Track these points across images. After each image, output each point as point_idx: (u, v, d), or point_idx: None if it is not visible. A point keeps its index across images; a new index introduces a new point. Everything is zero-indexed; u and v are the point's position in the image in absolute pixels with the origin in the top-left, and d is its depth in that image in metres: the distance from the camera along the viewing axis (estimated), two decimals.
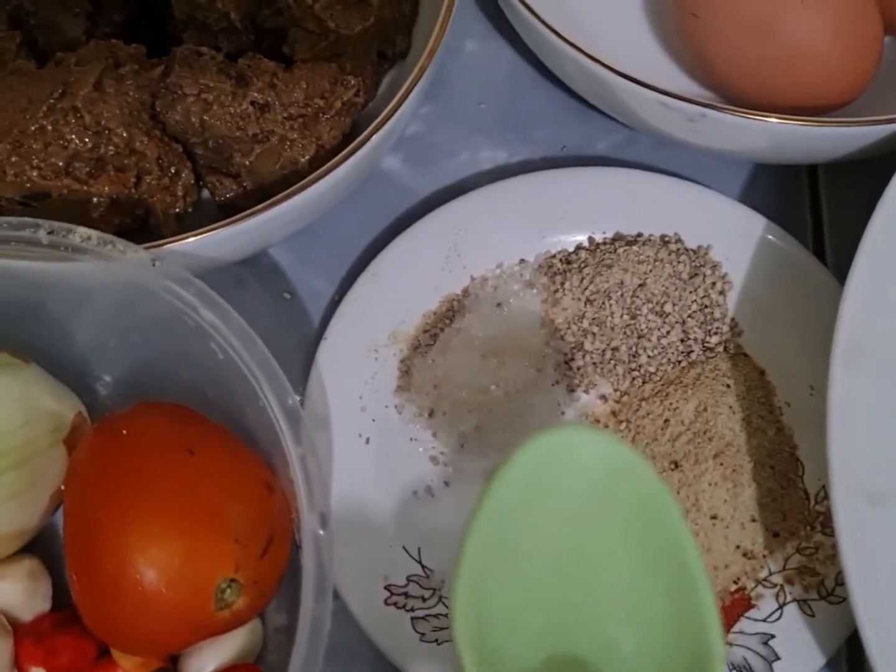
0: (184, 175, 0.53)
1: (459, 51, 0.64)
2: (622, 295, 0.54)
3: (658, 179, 0.57)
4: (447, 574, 0.50)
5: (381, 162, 0.58)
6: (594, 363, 0.54)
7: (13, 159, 0.50)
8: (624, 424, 0.52)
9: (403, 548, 0.51)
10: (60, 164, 0.50)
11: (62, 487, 0.47)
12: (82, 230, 0.45)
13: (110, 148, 0.51)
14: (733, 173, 0.60)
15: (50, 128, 0.50)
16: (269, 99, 0.52)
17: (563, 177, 0.57)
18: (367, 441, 0.52)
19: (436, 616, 0.49)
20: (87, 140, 0.50)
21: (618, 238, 0.56)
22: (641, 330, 0.54)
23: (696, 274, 0.55)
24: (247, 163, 0.52)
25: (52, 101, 0.50)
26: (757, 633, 0.49)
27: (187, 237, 0.48)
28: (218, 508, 0.43)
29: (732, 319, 0.55)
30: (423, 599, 0.49)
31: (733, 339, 0.55)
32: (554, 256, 0.56)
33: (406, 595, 0.49)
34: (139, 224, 0.53)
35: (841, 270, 0.54)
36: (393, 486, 0.52)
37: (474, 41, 0.65)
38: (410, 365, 0.54)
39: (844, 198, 0.60)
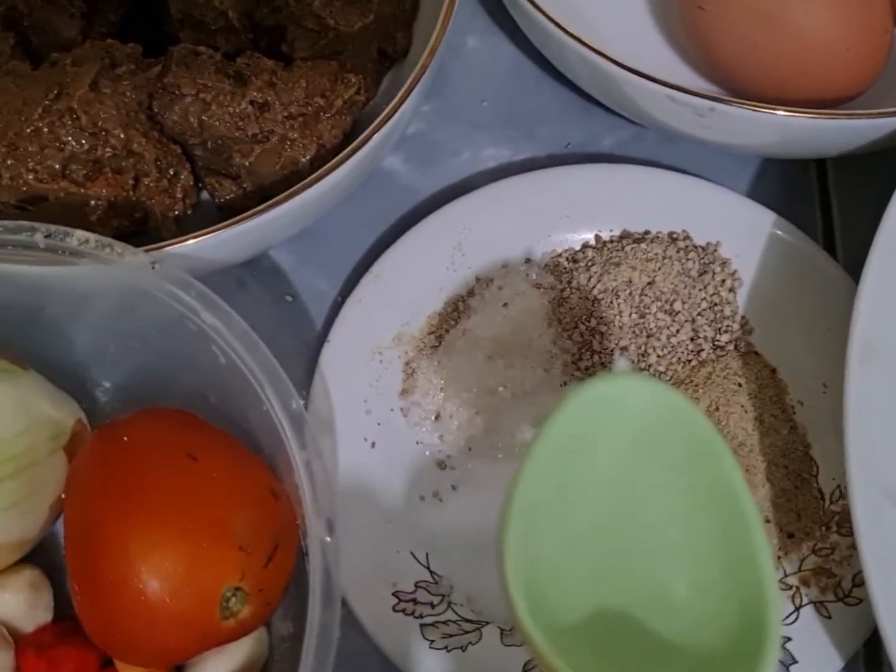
0: (183, 176, 0.53)
1: (460, 48, 0.63)
2: (630, 293, 0.53)
3: (665, 176, 0.57)
4: (456, 580, 0.49)
5: (382, 161, 0.58)
6: (602, 363, 0.53)
7: (9, 162, 0.49)
8: None
9: (411, 553, 0.50)
10: (57, 166, 0.49)
11: (63, 496, 0.46)
12: (80, 233, 0.44)
13: (107, 150, 0.50)
14: (741, 168, 0.60)
15: (46, 130, 0.49)
16: (269, 98, 0.51)
17: (568, 174, 0.56)
18: (373, 445, 0.52)
19: (445, 623, 0.48)
20: (83, 142, 0.49)
21: (625, 236, 0.55)
22: (650, 329, 0.53)
23: (705, 271, 0.54)
24: (246, 163, 0.52)
25: (47, 102, 0.49)
26: None
27: (187, 239, 0.48)
28: (222, 515, 0.43)
29: (743, 317, 0.54)
30: (432, 606, 0.49)
31: (744, 337, 0.54)
32: (560, 255, 0.55)
33: (414, 601, 0.49)
34: (138, 227, 0.52)
35: (852, 265, 0.54)
36: (399, 491, 0.51)
37: (475, 37, 0.64)
38: (416, 367, 0.53)
39: (854, 192, 0.59)
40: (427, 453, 0.52)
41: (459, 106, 0.62)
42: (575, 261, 0.55)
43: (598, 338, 0.53)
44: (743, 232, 0.55)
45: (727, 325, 0.54)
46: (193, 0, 0.54)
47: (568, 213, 0.56)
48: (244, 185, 0.53)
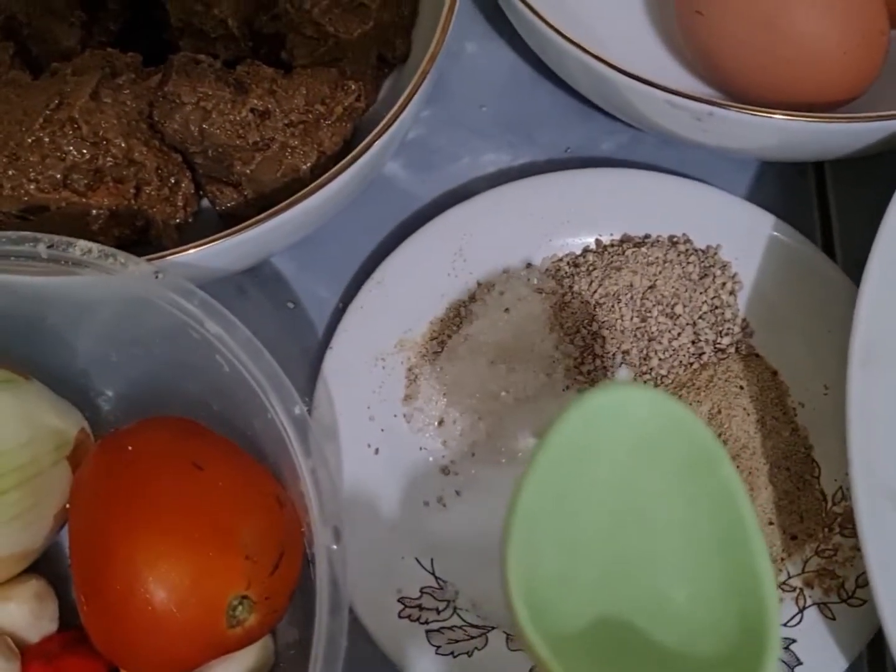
0: (184, 185, 0.53)
1: (459, 53, 0.63)
2: (632, 297, 0.53)
3: (664, 179, 0.57)
4: (461, 585, 0.50)
5: (383, 168, 0.57)
6: (605, 367, 0.53)
7: (10, 173, 0.49)
8: None
9: (416, 559, 0.50)
10: (58, 176, 0.49)
11: (67, 506, 0.46)
12: (82, 243, 0.44)
13: (109, 159, 0.50)
14: (739, 171, 0.60)
15: (47, 140, 0.49)
16: (269, 106, 0.51)
17: (568, 179, 0.57)
18: (377, 451, 0.52)
19: (451, 628, 0.48)
20: (84, 151, 0.49)
21: (625, 240, 0.56)
22: (652, 332, 0.53)
23: (705, 275, 0.54)
24: (248, 171, 0.52)
25: (48, 112, 0.49)
26: None
27: (189, 248, 0.48)
28: (228, 524, 0.43)
29: (744, 320, 0.54)
30: (438, 612, 0.49)
31: (745, 340, 0.54)
32: (561, 260, 0.55)
33: (420, 607, 0.49)
34: (139, 235, 0.52)
35: (851, 267, 0.54)
36: (403, 497, 0.51)
37: (473, 43, 0.64)
38: (418, 373, 0.53)
39: (852, 194, 0.60)
40: (430, 459, 0.52)
41: (458, 111, 0.62)
42: (576, 265, 0.55)
43: (599, 342, 0.53)
44: (743, 235, 0.55)
45: (728, 328, 0.54)
46: (193, 8, 0.54)
47: (568, 217, 0.56)
48: (245, 193, 0.53)
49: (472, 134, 0.61)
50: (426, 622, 0.48)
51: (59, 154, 0.49)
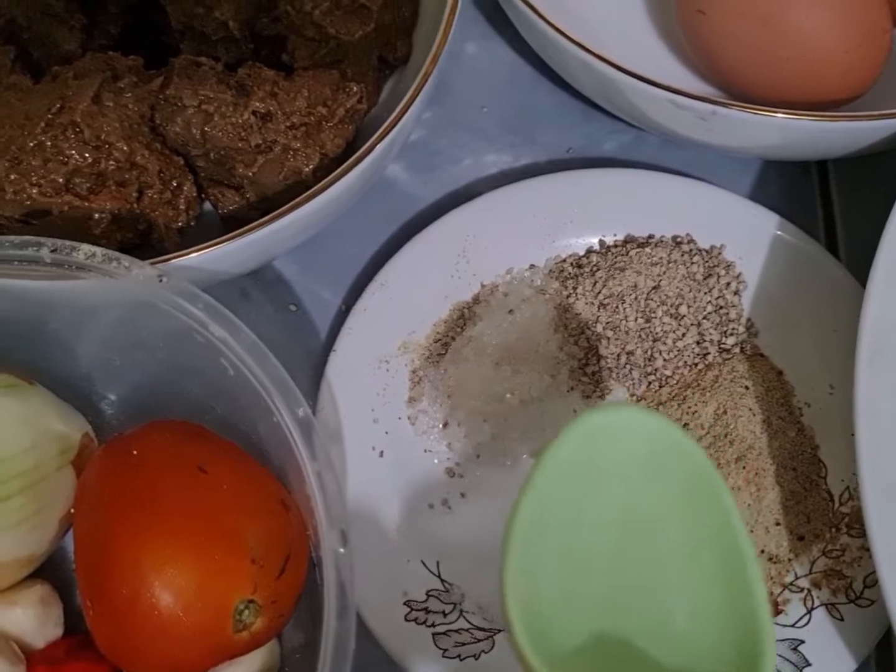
0: (186, 188, 0.52)
1: (459, 54, 0.63)
2: (636, 298, 0.53)
3: (667, 179, 0.57)
4: (467, 588, 0.49)
5: (385, 170, 0.57)
6: (609, 368, 0.53)
7: (12, 177, 0.49)
8: None
9: (422, 562, 0.50)
10: (60, 180, 0.49)
11: (72, 510, 0.46)
12: (86, 247, 0.44)
13: (111, 162, 0.50)
14: (742, 171, 0.60)
15: (49, 144, 0.49)
16: (271, 108, 0.51)
17: (571, 179, 0.56)
18: (381, 454, 0.51)
19: (457, 631, 0.48)
20: (86, 155, 0.49)
21: (629, 240, 0.55)
22: (656, 333, 0.53)
23: (710, 274, 0.54)
24: (250, 174, 0.52)
25: (50, 116, 0.49)
26: (786, 640, 0.48)
27: (192, 252, 0.47)
28: (233, 528, 0.42)
29: (748, 320, 0.54)
30: (444, 615, 0.49)
31: (749, 340, 0.54)
32: (564, 261, 0.55)
33: (426, 610, 0.49)
34: (141, 239, 0.52)
35: (855, 266, 0.54)
36: (408, 499, 0.51)
37: (474, 43, 0.64)
38: (422, 375, 0.53)
39: (856, 192, 0.60)
40: (435, 461, 0.52)
41: (460, 112, 0.62)
42: (579, 266, 0.55)
43: (604, 343, 0.53)
44: (746, 234, 0.55)
45: (733, 328, 0.54)
46: (194, 11, 0.54)
47: (571, 218, 0.56)
48: (247, 196, 0.53)
49: (473, 135, 0.61)
50: (432, 625, 0.48)
51: (61, 158, 0.49)
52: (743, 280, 0.55)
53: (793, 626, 0.48)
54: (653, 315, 0.53)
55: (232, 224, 0.53)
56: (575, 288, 0.54)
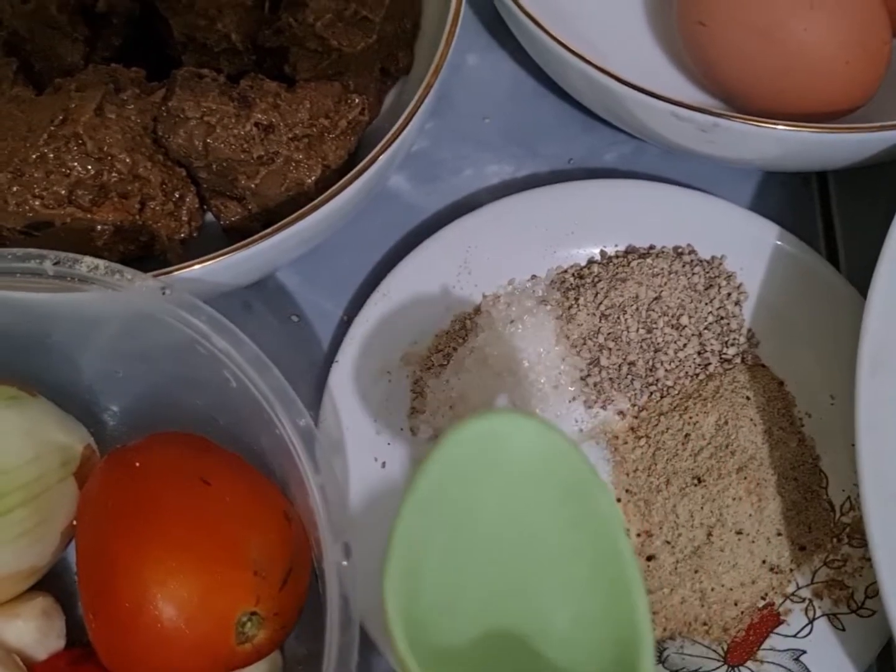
0: (188, 199, 0.52)
1: (461, 65, 0.63)
2: (637, 309, 0.53)
3: (668, 190, 0.57)
4: None
5: (387, 181, 0.57)
6: (611, 378, 0.53)
7: (14, 189, 0.49)
8: (644, 440, 0.52)
9: None
10: (63, 192, 0.49)
11: (74, 522, 0.46)
12: (89, 260, 0.44)
13: (113, 174, 0.50)
14: (742, 181, 0.60)
15: (51, 156, 0.49)
16: (274, 120, 0.51)
17: (572, 190, 0.57)
18: (383, 465, 0.51)
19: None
20: (89, 167, 0.49)
21: (630, 251, 0.56)
22: (658, 343, 0.53)
23: (711, 285, 0.54)
24: (252, 185, 0.52)
25: (52, 128, 0.49)
26: (787, 650, 0.48)
27: (195, 264, 0.47)
28: (236, 540, 0.43)
29: (749, 330, 0.54)
30: None
31: (750, 350, 0.54)
32: (566, 271, 0.55)
33: None
34: (143, 251, 0.52)
35: (855, 276, 0.54)
36: None
37: (475, 55, 0.64)
38: (424, 386, 0.53)
39: (856, 203, 0.60)
40: None
41: (461, 123, 0.62)
42: (581, 277, 0.55)
43: (605, 353, 0.53)
44: (747, 245, 0.55)
45: (734, 339, 0.54)
46: (196, 23, 0.54)
47: (573, 229, 0.56)
48: (249, 207, 0.53)
49: (475, 146, 0.61)
50: None
51: (63, 170, 0.49)
52: (744, 291, 0.55)
53: (794, 636, 0.48)
54: (654, 326, 0.53)
55: (234, 235, 0.53)
56: (577, 299, 0.54)
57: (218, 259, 0.48)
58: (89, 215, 0.50)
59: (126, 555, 0.42)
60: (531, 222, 0.56)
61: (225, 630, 0.41)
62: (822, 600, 0.49)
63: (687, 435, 0.51)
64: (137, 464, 0.44)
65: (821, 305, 0.54)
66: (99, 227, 0.50)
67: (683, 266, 0.54)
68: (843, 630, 0.48)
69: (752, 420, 0.51)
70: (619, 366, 0.53)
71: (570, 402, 0.53)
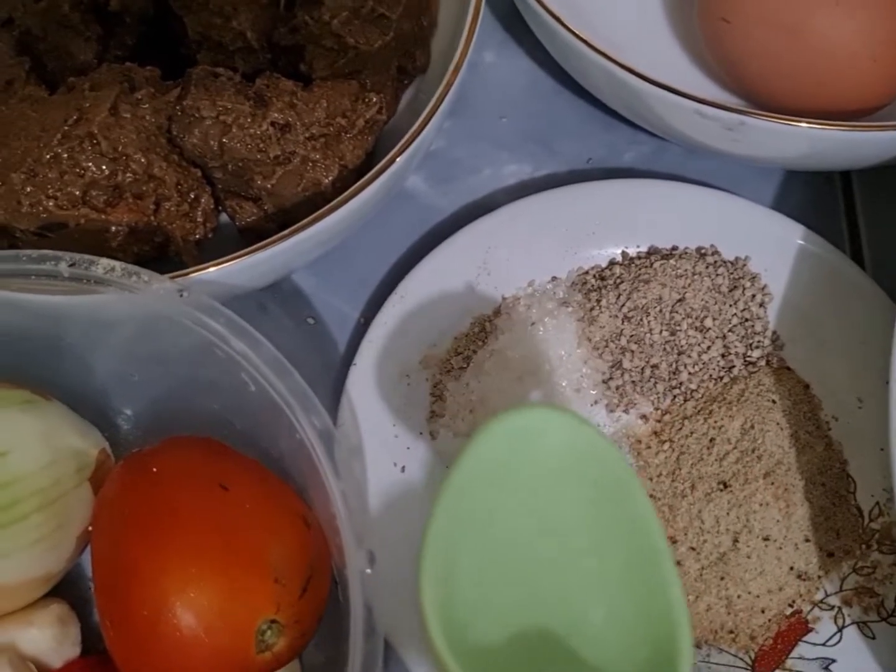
0: (203, 200, 0.52)
1: (478, 63, 0.62)
2: (661, 311, 0.52)
3: (690, 190, 0.56)
4: None
5: (406, 181, 0.57)
6: (633, 382, 0.52)
7: (28, 189, 0.48)
8: (667, 444, 0.51)
9: None
10: (77, 192, 0.48)
11: (89, 528, 0.45)
12: (105, 262, 0.44)
13: (128, 175, 0.49)
14: (764, 180, 0.59)
15: (65, 156, 0.48)
16: (290, 119, 0.50)
17: (593, 190, 0.56)
18: (403, 469, 0.51)
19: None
20: (104, 167, 0.49)
21: (653, 252, 0.55)
22: (681, 346, 0.52)
23: (735, 287, 0.53)
24: (268, 185, 0.51)
25: (66, 128, 0.48)
26: (817, 658, 0.47)
27: (211, 266, 0.47)
28: (256, 546, 0.42)
29: (774, 332, 0.54)
30: None
31: (775, 353, 0.53)
32: (587, 273, 0.55)
33: None
34: (158, 252, 0.52)
35: (881, 276, 0.54)
36: None
37: (492, 52, 0.63)
38: (444, 389, 0.52)
39: (880, 201, 0.59)
40: None
41: (478, 122, 0.61)
42: (602, 278, 0.54)
43: (628, 356, 0.52)
44: (771, 246, 0.54)
45: (758, 341, 0.53)
46: (211, 21, 0.53)
47: (594, 229, 0.55)
48: (265, 208, 0.52)
49: (492, 145, 0.61)
50: None
51: (77, 170, 0.48)
52: (768, 292, 0.54)
53: (823, 644, 0.48)
54: (677, 328, 0.52)
55: (249, 236, 0.52)
56: (598, 300, 0.53)
57: (234, 261, 0.47)
58: (104, 216, 0.49)
59: (144, 562, 0.41)
60: (551, 223, 0.55)
61: (245, 638, 0.41)
62: (851, 608, 0.48)
63: (712, 439, 0.50)
64: (154, 469, 0.44)
65: (846, 306, 0.53)
66: (113, 228, 0.49)
67: (707, 267, 0.54)
68: (874, 638, 0.47)
69: (778, 424, 0.51)
70: (642, 369, 0.52)
71: (591, 405, 0.52)
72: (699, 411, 0.51)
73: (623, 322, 0.52)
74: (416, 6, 0.55)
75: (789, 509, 0.49)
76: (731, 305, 0.53)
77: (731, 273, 0.54)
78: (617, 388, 0.52)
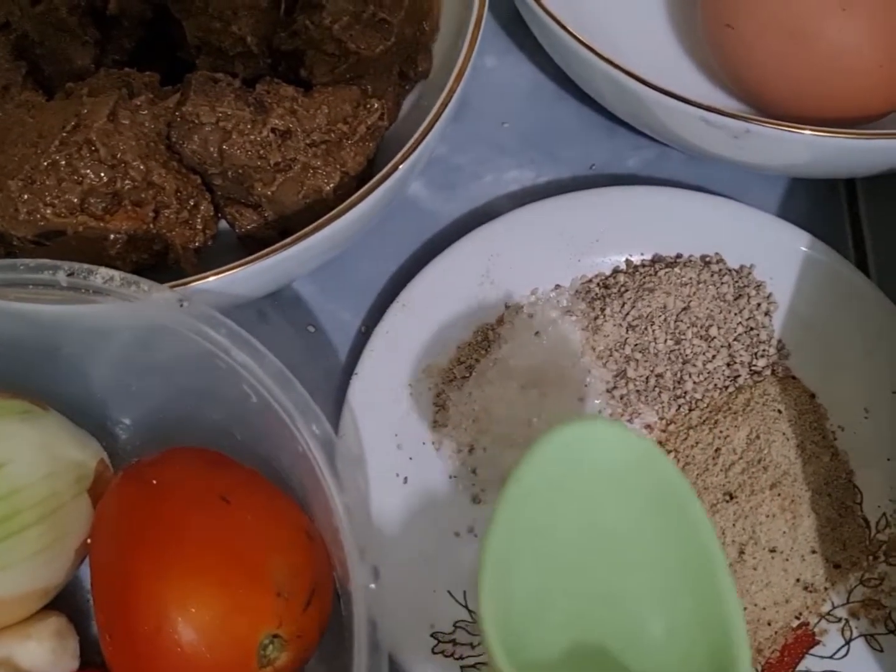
0: (203, 207, 0.51)
1: (479, 68, 0.62)
2: (665, 319, 0.52)
3: (694, 197, 0.55)
4: None
5: (408, 188, 0.56)
6: (638, 391, 0.52)
7: (25, 197, 0.47)
8: (672, 454, 0.50)
9: (448, 592, 0.48)
10: (75, 200, 0.48)
11: (88, 540, 0.45)
12: (104, 271, 0.43)
13: (127, 182, 0.49)
14: (768, 187, 0.59)
15: (63, 163, 0.48)
16: (291, 125, 0.50)
17: (596, 197, 0.55)
18: (405, 480, 0.50)
19: (486, 664, 0.47)
20: (102, 174, 0.48)
21: (657, 260, 0.54)
22: (686, 355, 0.52)
23: (740, 295, 0.53)
24: (269, 192, 0.50)
25: (64, 134, 0.48)
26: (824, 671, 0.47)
27: (209, 276, 0.46)
28: (258, 560, 0.41)
29: (779, 341, 0.53)
30: (472, 646, 0.47)
31: (781, 362, 0.53)
32: (591, 281, 0.54)
33: (454, 642, 0.47)
34: (157, 260, 0.51)
35: (887, 284, 0.53)
36: (434, 527, 0.50)
37: (493, 57, 0.63)
38: (446, 399, 0.52)
39: (885, 208, 0.59)
40: (461, 487, 0.51)
41: (480, 128, 0.61)
42: (607, 287, 0.54)
43: (632, 365, 0.52)
44: (777, 253, 0.54)
45: (764, 350, 0.53)
46: (211, 26, 0.53)
47: (597, 237, 0.54)
48: (265, 215, 0.52)
49: (494, 151, 0.60)
50: (461, 657, 0.47)
51: (75, 177, 0.48)
52: (773, 300, 0.53)
53: (831, 657, 0.47)
54: (682, 337, 0.52)
55: (249, 244, 0.52)
56: (602, 309, 0.52)
57: (235, 270, 0.46)
58: (102, 224, 0.48)
59: (144, 576, 0.41)
60: (554, 230, 0.54)
61: (247, 653, 0.40)
62: (858, 620, 0.48)
63: (717, 449, 0.50)
64: (154, 481, 0.43)
65: (852, 315, 0.52)
66: (112, 235, 0.49)
67: (712, 275, 0.53)
68: (882, 651, 0.47)
69: (784, 434, 0.50)
70: (647, 378, 0.52)
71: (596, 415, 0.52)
72: (704, 421, 0.51)
73: (627, 331, 0.52)
74: (418, 11, 0.55)
75: (795, 521, 0.48)
76: (736, 314, 0.53)
77: (736, 281, 0.53)
78: (621, 397, 0.52)
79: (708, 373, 0.52)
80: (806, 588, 0.48)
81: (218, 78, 0.51)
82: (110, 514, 0.44)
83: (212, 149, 0.50)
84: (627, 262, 0.55)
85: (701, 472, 0.49)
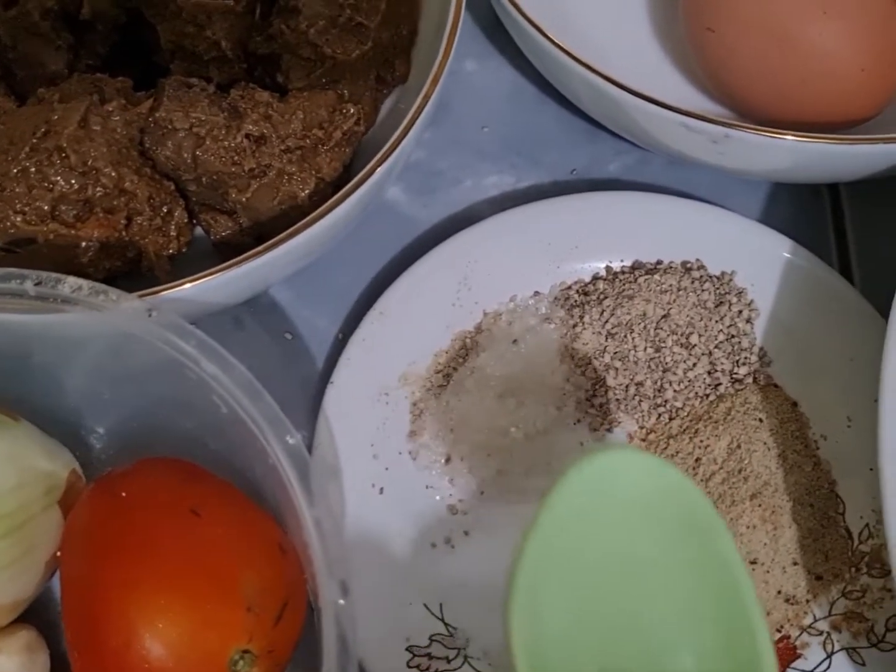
0: (177, 214, 0.50)
1: (458, 72, 0.61)
2: (645, 327, 0.51)
3: (675, 203, 0.55)
4: (472, 632, 0.48)
5: (385, 194, 0.55)
6: (617, 399, 0.51)
7: None
8: None
9: (424, 605, 0.48)
10: (46, 207, 0.47)
11: (58, 553, 0.44)
12: (72, 280, 0.42)
13: (98, 189, 0.48)
14: (751, 192, 0.58)
15: (33, 170, 0.47)
16: (265, 131, 0.49)
17: (576, 203, 0.55)
18: (381, 491, 0.50)
19: None
20: (73, 182, 0.47)
21: (637, 266, 0.54)
22: (666, 363, 0.51)
23: (721, 302, 0.52)
24: (243, 199, 0.50)
25: (35, 141, 0.47)
26: None
27: (184, 283, 0.46)
28: (228, 575, 0.41)
29: (761, 349, 0.53)
30: (448, 661, 0.47)
31: (762, 370, 0.52)
32: (570, 287, 0.53)
33: (429, 656, 0.47)
34: (130, 267, 0.50)
35: (870, 291, 0.53)
36: (410, 539, 0.49)
37: (473, 61, 0.62)
38: (423, 408, 0.51)
39: (868, 214, 0.58)
40: (437, 498, 0.50)
41: (459, 133, 0.60)
42: (586, 294, 0.53)
43: (612, 374, 0.51)
44: (758, 260, 0.53)
45: (745, 358, 0.52)
46: (185, 30, 0.52)
47: (577, 243, 0.54)
48: (240, 221, 0.51)
49: (474, 156, 0.60)
50: None
51: (46, 184, 0.47)
52: (755, 308, 0.53)
53: (812, 671, 0.47)
54: (662, 344, 0.51)
55: (224, 250, 0.51)
56: (581, 316, 0.52)
57: (209, 277, 0.46)
58: (73, 231, 0.48)
59: (113, 591, 0.40)
60: (534, 236, 0.54)
61: (217, 669, 0.40)
62: (840, 633, 0.47)
63: (697, 459, 0.49)
64: (124, 494, 0.43)
65: (835, 322, 0.52)
66: (84, 243, 0.48)
67: (692, 282, 0.52)
68: (864, 665, 0.46)
69: (765, 443, 0.49)
70: (626, 386, 0.51)
71: (574, 424, 0.51)
72: (684, 430, 0.50)
73: (607, 339, 0.51)
74: (396, 15, 0.54)
75: (777, 532, 0.48)
76: (717, 321, 0.52)
77: (717, 288, 0.53)
78: (600, 406, 0.51)
79: (689, 381, 0.51)
80: (787, 600, 0.48)
81: (192, 83, 0.50)
82: (80, 526, 0.44)
83: (185, 155, 0.49)
84: (607, 268, 0.54)
85: None
